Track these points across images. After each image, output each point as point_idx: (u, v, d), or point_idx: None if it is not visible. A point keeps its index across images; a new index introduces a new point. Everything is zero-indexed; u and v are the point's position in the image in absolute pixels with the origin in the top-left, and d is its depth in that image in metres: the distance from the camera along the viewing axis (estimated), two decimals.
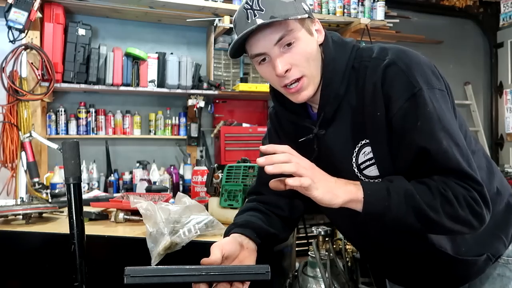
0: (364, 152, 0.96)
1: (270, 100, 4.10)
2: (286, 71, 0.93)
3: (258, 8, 0.91)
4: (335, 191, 0.84)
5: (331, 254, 1.52)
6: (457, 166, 0.85)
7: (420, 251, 1.02)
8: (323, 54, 0.99)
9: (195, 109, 3.56)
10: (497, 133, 5.00)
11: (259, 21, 0.89)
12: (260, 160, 0.82)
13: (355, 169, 0.98)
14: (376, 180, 0.94)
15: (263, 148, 0.84)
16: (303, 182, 0.80)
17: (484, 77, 5.07)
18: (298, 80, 0.94)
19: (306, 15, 0.93)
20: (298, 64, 0.93)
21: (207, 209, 1.42)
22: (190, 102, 3.54)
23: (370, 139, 0.94)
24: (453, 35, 4.84)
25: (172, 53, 3.55)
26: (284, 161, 0.81)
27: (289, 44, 0.92)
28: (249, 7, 0.92)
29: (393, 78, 0.90)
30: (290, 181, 0.81)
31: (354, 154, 0.97)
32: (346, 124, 0.97)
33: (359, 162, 0.97)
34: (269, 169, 0.81)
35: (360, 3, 3.72)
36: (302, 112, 1.06)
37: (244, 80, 3.59)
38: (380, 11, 3.75)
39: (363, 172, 0.97)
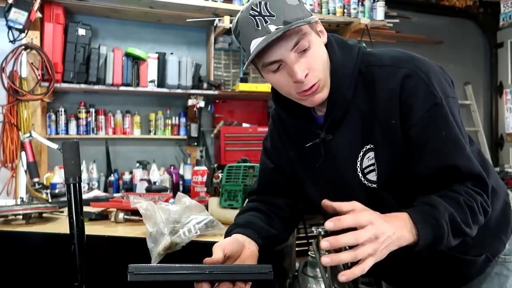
0: (368, 157, 0.96)
1: (270, 100, 4.11)
2: (305, 76, 0.89)
3: (268, 14, 0.86)
4: (392, 248, 0.78)
5: None
6: (477, 172, 0.89)
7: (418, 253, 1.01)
8: (328, 57, 0.97)
9: (195, 109, 3.56)
10: (497, 133, 5.00)
11: (272, 27, 0.85)
12: (328, 225, 0.74)
13: (359, 173, 0.98)
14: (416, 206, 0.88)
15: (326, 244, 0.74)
16: (364, 268, 0.75)
17: (484, 77, 5.07)
18: (313, 84, 0.92)
19: (315, 17, 0.91)
20: (314, 68, 0.90)
21: (207, 209, 1.42)
22: (190, 102, 3.54)
23: (375, 144, 0.94)
24: (453, 35, 4.84)
25: (172, 53, 3.55)
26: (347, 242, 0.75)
27: (304, 49, 0.89)
28: (257, 13, 0.87)
29: (414, 88, 0.89)
30: (357, 271, 0.74)
31: (359, 159, 0.97)
32: (353, 128, 0.97)
33: (363, 166, 0.97)
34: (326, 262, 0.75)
35: (360, 3, 3.72)
36: (307, 116, 1.04)
37: (244, 80, 3.59)
38: (380, 11, 3.75)
39: (366, 176, 0.97)
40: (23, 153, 2.87)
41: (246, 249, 0.96)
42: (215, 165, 1.53)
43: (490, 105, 5.07)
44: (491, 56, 5.04)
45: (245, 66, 0.95)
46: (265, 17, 0.86)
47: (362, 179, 0.98)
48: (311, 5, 3.58)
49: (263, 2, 0.87)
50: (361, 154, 0.96)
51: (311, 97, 0.93)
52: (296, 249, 1.96)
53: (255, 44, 0.87)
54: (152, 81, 3.42)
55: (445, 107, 0.89)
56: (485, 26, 4.99)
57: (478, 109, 4.92)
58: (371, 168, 0.96)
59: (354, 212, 0.78)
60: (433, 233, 0.81)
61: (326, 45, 0.98)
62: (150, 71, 3.42)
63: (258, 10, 0.87)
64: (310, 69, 0.90)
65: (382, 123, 0.93)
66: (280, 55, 0.88)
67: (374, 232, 0.75)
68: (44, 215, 1.64)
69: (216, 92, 3.58)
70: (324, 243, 0.74)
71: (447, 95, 0.91)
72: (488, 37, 5.02)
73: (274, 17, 0.86)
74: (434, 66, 0.94)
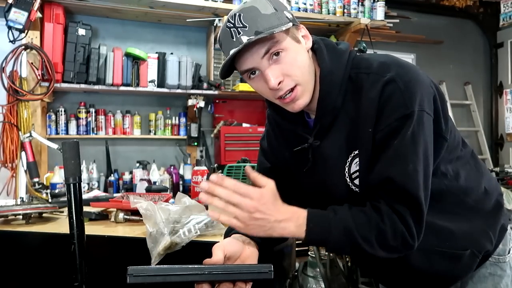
0: (356, 162, 0.97)
1: None
2: (279, 83, 0.91)
3: (241, 25, 0.89)
4: (270, 232, 0.88)
5: (331, 254, 1.52)
6: (413, 194, 0.88)
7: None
8: (317, 63, 0.99)
9: (195, 109, 3.56)
10: (497, 133, 5.00)
11: (244, 38, 0.88)
12: (203, 186, 0.84)
13: (347, 178, 0.98)
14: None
15: (206, 184, 0.84)
16: (234, 223, 0.85)
17: (484, 77, 5.07)
18: (292, 89, 0.93)
19: (291, 24, 0.92)
20: (290, 74, 0.92)
21: (207, 209, 1.42)
22: (190, 102, 3.54)
23: (360, 150, 0.96)
24: (453, 35, 4.84)
25: (172, 53, 3.55)
26: (224, 197, 0.84)
27: (277, 54, 0.91)
28: (232, 25, 0.90)
29: (390, 95, 0.90)
30: (223, 218, 0.84)
31: (347, 164, 0.98)
32: (342, 134, 0.98)
33: (352, 171, 0.98)
34: (202, 198, 0.85)
35: (360, 3, 3.72)
36: (299, 120, 1.05)
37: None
38: (380, 11, 3.75)
39: (354, 181, 0.98)
40: (23, 153, 2.87)
41: (246, 249, 0.96)
42: (215, 165, 1.53)
43: (490, 105, 5.07)
44: (491, 56, 5.04)
45: (220, 74, 0.98)
46: (239, 29, 0.90)
47: (350, 184, 0.98)
48: (311, 5, 3.58)
49: (237, 14, 0.91)
50: (349, 159, 0.97)
51: (292, 104, 0.95)
52: (296, 249, 1.95)
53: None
54: (152, 81, 3.42)
55: (412, 120, 0.88)
56: (485, 26, 4.99)
57: (478, 109, 4.92)
58: (358, 173, 0.97)
59: (263, 190, 0.85)
60: (320, 236, 0.89)
61: (315, 51, 0.99)
62: (150, 71, 3.42)
63: (233, 22, 0.91)
64: (285, 75, 0.91)
65: (364, 130, 0.94)
66: (252, 63, 0.92)
67: (254, 206, 0.83)
68: (44, 215, 1.64)
69: (216, 92, 3.58)
70: (204, 183, 0.83)
71: (422, 109, 0.90)
72: (488, 37, 5.03)
73: (246, 28, 0.89)
74: (420, 77, 0.92)
